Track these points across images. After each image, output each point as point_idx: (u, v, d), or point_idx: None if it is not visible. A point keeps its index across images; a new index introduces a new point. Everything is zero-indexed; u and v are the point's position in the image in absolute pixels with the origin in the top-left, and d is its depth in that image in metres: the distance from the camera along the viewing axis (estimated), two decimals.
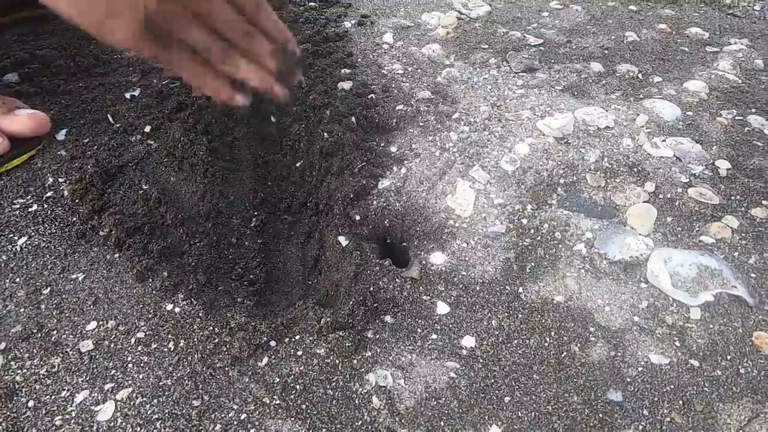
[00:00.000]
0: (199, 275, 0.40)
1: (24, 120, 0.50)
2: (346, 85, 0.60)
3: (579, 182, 0.46)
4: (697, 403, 0.30)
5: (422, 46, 0.69)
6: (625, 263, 0.37)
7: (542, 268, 0.38)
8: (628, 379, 0.31)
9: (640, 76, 0.61)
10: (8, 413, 0.31)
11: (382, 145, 0.51)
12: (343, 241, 0.42)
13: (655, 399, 0.30)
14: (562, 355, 0.32)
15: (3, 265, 0.40)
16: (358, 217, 0.44)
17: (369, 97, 0.58)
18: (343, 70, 0.64)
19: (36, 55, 0.67)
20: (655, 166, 0.47)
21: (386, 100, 0.58)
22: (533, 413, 0.30)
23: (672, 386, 0.31)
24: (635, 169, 0.46)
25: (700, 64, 0.63)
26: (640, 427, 0.29)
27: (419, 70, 0.64)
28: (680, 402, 0.30)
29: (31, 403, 0.31)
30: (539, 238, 0.40)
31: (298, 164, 0.51)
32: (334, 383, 0.31)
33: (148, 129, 0.52)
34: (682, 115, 0.54)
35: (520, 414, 0.30)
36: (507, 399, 0.30)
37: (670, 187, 0.44)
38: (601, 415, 0.30)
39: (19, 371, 0.33)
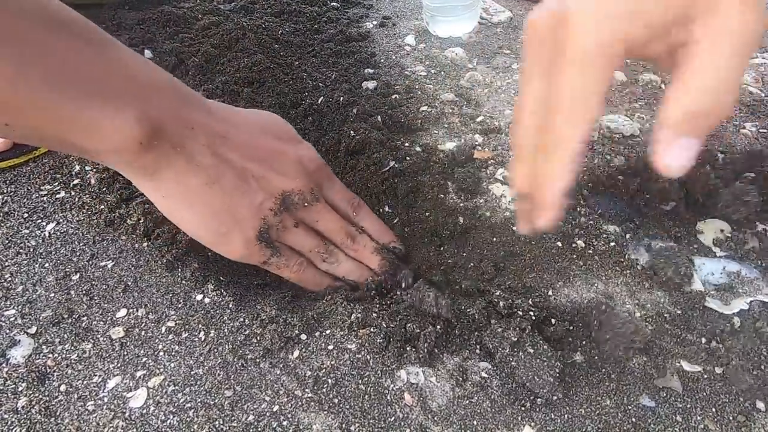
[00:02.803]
0: (228, 267, 0.40)
1: None
2: (371, 84, 0.61)
3: (606, 189, 0.46)
4: (730, 411, 0.30)
5: (444, 49, 0.69)
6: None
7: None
8: (660, 385, 0.31)
9: (662, 86, 0.61)
10: (41, 396, 0.31)
11: (407, 144, 0.52)
12: None
13: (688, 406, 0.30)
14: (594, 359, 0.32)
15: (32, 250, 0.40)
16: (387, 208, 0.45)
17: (393, 97, 0.59)
18: (366, 70, 0.64)
19: None
20: None
21: (410, 101, 0.58)
22: (566, 415, 0.30)
23: (704, 393, 0.31)
24: None
25: None
26: None
27: (442, 73, 0.65)
28: (713, 409, 0.30)
29: (63, 388, 0.31)
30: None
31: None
32: (366, 378, 0.31)
33: None
34: None
35: (553, 416, 0.30)
36: (539, 401, 0.30)
37: None
38: (634, 420, 0.30)
39: (51, 355, 0.33)
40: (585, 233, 0.41)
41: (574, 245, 0.40)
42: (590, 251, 0.39)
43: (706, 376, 0.31)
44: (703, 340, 0.33)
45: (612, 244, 0.40)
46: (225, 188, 0.32)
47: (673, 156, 0.24)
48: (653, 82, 0.62)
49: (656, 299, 0.35)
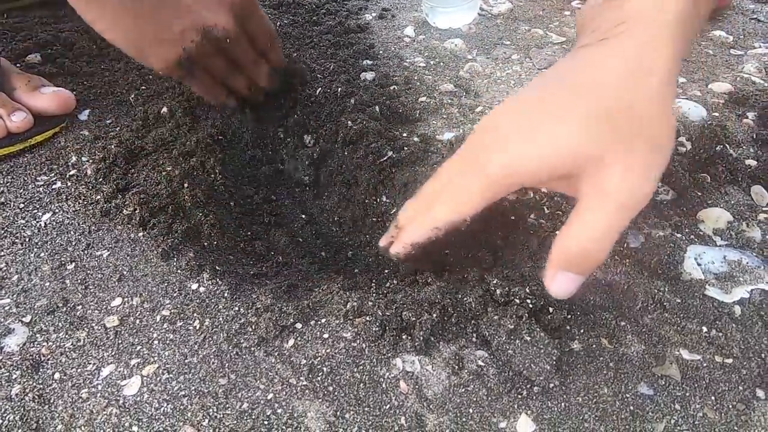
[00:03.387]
0: (224, 256, 0.40)
1: (49, 97, 0.51)
2: (369, 75, 0.60)
3: None
4: (730, 399, 0.29)
5: (444, 41, 0.69)
6: None
7: None
8: (659, 374, 0.31)
9: None
10: (34, 384, 0.31)
11: (405, 135, 0.51)
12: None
13: (687, 394, 0.30)
14: (592, 347, 0.32)
15: (27, 240, 0.40)
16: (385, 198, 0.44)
17: (391, 88, 0.58)
18: (365, 61, 0.64)
19: (58, 37, 0.67)
20: None
21: (409, 92, 0.58)
22: (563, 404, 0.30)
23: (704, 382, 0.30)
24: None
25: (724, 67, 0.62)
26: (672, 421, 0.29)
27: (441, 64, 0.64)
28: (712, 397, 0.30)
29: (57, 376, 0.31)
30: None
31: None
32: (361, 367, 0.31)
33: (165, 110, 0.52)
34: (708, 116, 0.53)
35: (549, 404, 0.30)
36: (536, 389, 0.30)
37: None
38: (632, 408, 0.29)
39: (45, 344, 0.33)
40: None
41: None
42: None
43: (705, 365, 0.31)
44: (704, 328, 0.33)
45: None
46: (146, 11, 0.36)
47: (558, 286, 0.29)
48: None
49: (656, 288, 0.34)
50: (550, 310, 0.33)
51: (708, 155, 0.46)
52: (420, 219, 0.32)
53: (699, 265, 0.36)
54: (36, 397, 0.30)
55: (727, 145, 0.47)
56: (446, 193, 0.30)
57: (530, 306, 0.32)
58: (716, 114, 0.54)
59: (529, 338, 0.30)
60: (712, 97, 0.57)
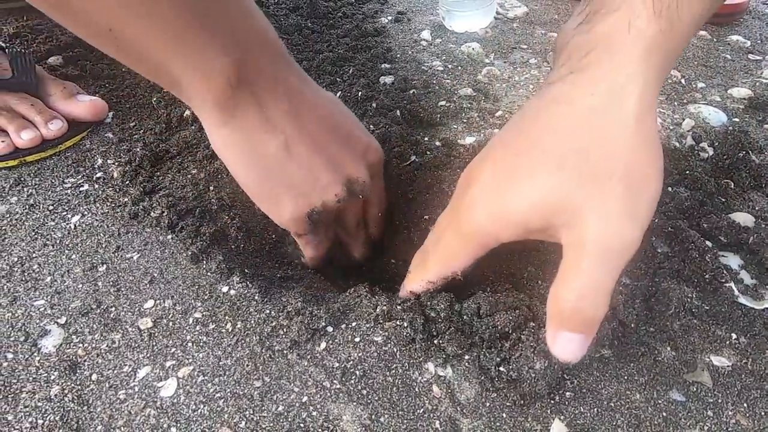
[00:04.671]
0: (251, 259, 0.40)
1: (86, 106, 0.52)
2: (388, 79, 0.61)
3: None
4: (762, 406, 0.29)
5: (461, 44, 0.69)
6: None
7: None
8: (690, 380, 0.31)
9: (683, 81, 0.61)
10: (72, 385, 0.31)
11: (426, 139, 0.52)
12: None
13: (719, 401, 0.30)
14: (622, 354, 0.32)
15: (58, 242, 0.41)
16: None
17: (411, 92, 0.58)
18: (383, 65, 0.64)
19: (79, 40, 0.68)
20: None
21: (428, 96, 0.58)
22: (596, 409, 0.30)
23: (736, 388, 0.30)
24: None
25: (743, 72, 0.62)
26: (706, 428, 0.29)
27: (459, 68, 0.64)
28: (744, 404, 0.30)
29: (94, 377, 0.32)
30: None
31: None
32: (393, 371, 0.31)
33: (188, 113, 0.53)
34: (728, 121, 0.53)
35: (582, 410, 0.30)
36: (569, 394, 0.30)
37: None
38: (665, 414, 0.29)
39: (81, 345, 0.33)
40: None
41: None
42: None
43: (736, 372, 0.31)
44: (733, 335, 0.33)
45: None
46: (293, 154, 0.32)
47: (560, 347, 0.26)
48: (673, 77, 0.61)
49: (685, 294, 0.35)
50: None
51: (731, 161, 0.46)
52: (417, 272, 0.33)
53: (728, 272, 0.36)
54: (75, 398, 0.30)
55: (749, 151, 0.47)
56: (435, 250, 0.32)
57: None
58: (737, 119, 0.54)
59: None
60: (732, 103, 0.57)
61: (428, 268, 0.32)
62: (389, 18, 0.77)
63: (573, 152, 0.25)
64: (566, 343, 0.26)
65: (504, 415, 0.29)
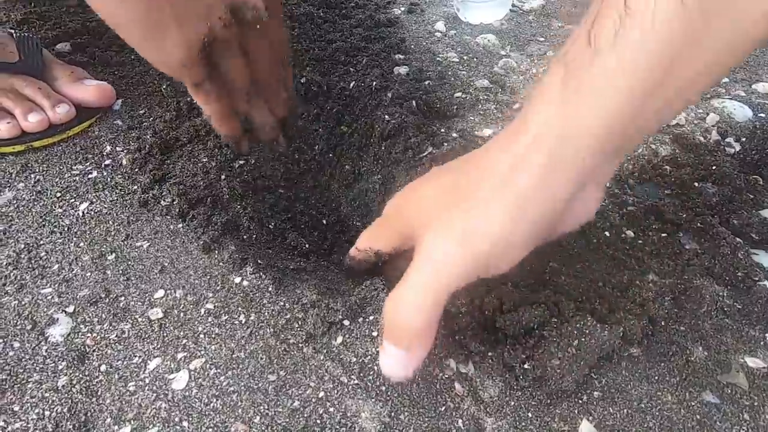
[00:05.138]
0: (264, 250, 0.39)
1: (93, 90, 0.50)
2: (403, 70, 0.59)
3: (652, 178, 0.44)
4: None
5: (476, 36, 0.68)
6: None
7: None
8: (725, 382, 0.29)
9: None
10: (81, 376, 0.30)
11: (443, 130, 0.50)
12: None
13: (755, 403, 0.29)
14: (652, 353, 0.31)
15: (66, 229, 0.40)
16: None
17: (426, 83, 0.57)
18: (397, 56, 0.63)
19: (87, 26, 0.67)
20: None
21: (444, 87, 0.57)
22: (625, 410, 0.28)
23: None
24: None
25: (767, 67, 0.61)
26: (741, 431, 0.28)
27: (475, 59, 0.63)
28: None
29: (103, 368, 0.31)
30: None
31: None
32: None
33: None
34: (754, 116, 0.52)
35: (611, 410, 0.28)
36: (597, 394, 0.29)
37: None
38: (698, 417, 0.28)
39: (89, 335, 0.32)
40: (634, 223, 0.39)
41: (623, 235, 0.38)
42: (640, 242, 0.38)
43: None
44: (767, 335, 0.31)
45: (664, 234, 0.38)
46: None
47: (384, 365, 0.27)
48: None
49: (716, 292, 0.33)
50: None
51: (760, 157, 0.45)
52: (359, 241, 0.34)
53: (761, 270, 0.34)
54: (83, 389, 0.29)
55: None
56: (370, 226, 0.33)
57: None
58: (762, 115, 0.52)
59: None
60: (757, 98, 0.55)
61: (361, 238, 0.33)
62: (402, 9, 0.76)
63: (452, 183, 0.28)
64: (388, 359, 0.27)
65: (530, 414, 0.28)
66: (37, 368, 0.31)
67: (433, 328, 0.26)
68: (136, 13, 0.29)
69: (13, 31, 0.53)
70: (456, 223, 0.26)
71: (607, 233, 0.39)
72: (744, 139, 0.47)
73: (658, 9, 0.21)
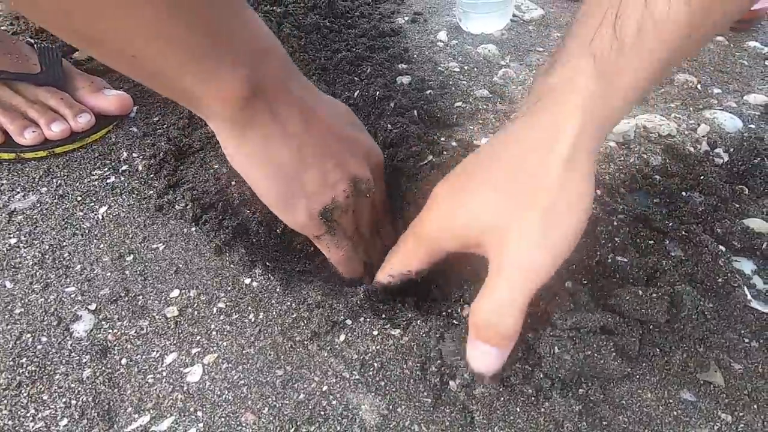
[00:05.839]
0: (272, 253, 0.42)
1: (113, 100, 0.53)
2: (405, 79, 0.62)
3: (642, 187, 0.46)
4: None
5: (477, 46, 0.70)
6: None
7: None
8: (702, 380, 0.31)
9: (699, 86, 0.61)
10: (103, 368, 0.33)
11: (443, 139, 0.52)
12: None
13: (731, 401, 0.31)
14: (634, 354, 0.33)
15: (87, 232, 0.42)
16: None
17: (427, 92, 0.59)
18: (400, 65, 0.65)
19: None
20: None
21: (445, 97, 0.59)
22: (607, 407, 0.31)
23: (746, 390, 0.31)
24: None
25: (760, 78, 0.62)
26: (716, 428, 0.30)
27: (475, 69, 0.65)
28: (755, 406, 0.30)
29: (123, 361, 0.33)
30: None
31: None
32: (410, 363, 0.32)
33: None
34: (743, 127, 0.54)
35: (595, 407, 0.30)
36: (581, 391, 0.31)
37: None
38: (675, 413, 0.30)
39: (111, 331, 0.35)
40: (624, 232, 0.41)
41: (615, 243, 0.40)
42: (631, 249, 0.40)
43: (748, 375, 0.32)
44: (745, 339, 0.33)
45: (651, 242, 0.40)
46: (306, 159, 0.33)
47: (475, 358, 0.29)
48: (689, 82, 0.61)
49: (697, 297, 0.35)
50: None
51: (746, 167, 0.46)
52: (384, 267, 0.35)
53: (741, 276, 0.36)
54: (106, 380, 0.32)
55: (765, 158, 0.48)
56: (397, 249, 0.35)
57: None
58: (752, 126, 0.54)
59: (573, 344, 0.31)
60: (747, 109, 0.57)
61: (390, 263, 0.35)
62: (406, 18, 0.78)
63: (507, 181, 0.29)
64: (481, 355, 0.29)
65: (518, 409, 0.30)
66: (63, 361, 0.33)
67: (521, 327, 0.29)
68: (275, 187, 0.34)
69: (33, 41, 0.56)
70: (535, 228, 0.27)
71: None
72: (732, 150, 0.49)
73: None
